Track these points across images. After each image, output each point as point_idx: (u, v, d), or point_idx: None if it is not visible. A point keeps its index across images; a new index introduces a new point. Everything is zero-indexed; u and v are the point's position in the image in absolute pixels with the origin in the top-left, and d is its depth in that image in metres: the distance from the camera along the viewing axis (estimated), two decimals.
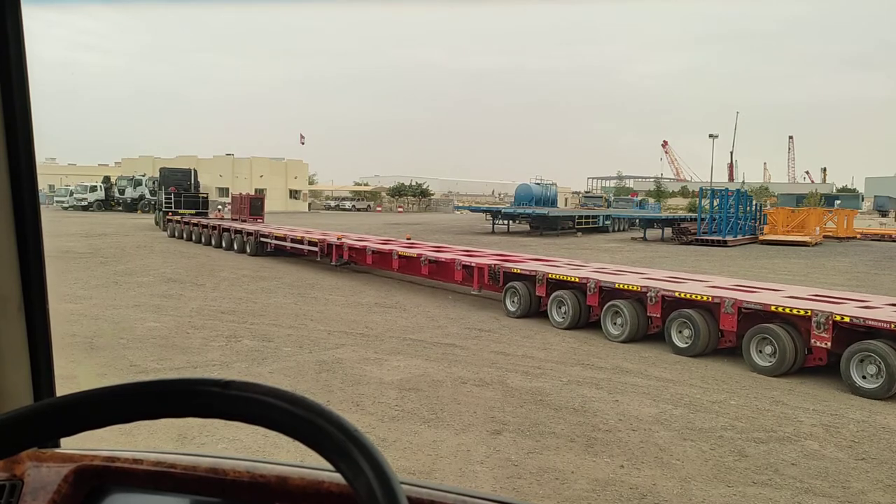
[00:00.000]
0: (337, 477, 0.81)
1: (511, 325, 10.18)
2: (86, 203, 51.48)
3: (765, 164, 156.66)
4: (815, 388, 7.14)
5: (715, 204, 30.27)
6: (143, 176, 51.39)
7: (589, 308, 9.87)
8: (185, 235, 24.02)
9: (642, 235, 32.84)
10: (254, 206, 26.18)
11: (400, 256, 13.93)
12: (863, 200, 79.03)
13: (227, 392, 0.66)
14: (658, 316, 8.88)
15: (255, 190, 50.97)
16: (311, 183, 79.52)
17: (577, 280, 10.04)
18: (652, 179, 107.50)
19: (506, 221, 36.07)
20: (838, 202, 61.65)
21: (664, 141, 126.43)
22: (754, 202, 36.23)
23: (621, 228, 39.84)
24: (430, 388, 6.65)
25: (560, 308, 10.11)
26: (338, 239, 16.31)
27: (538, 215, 33.67)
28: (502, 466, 4.77)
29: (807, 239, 29.81)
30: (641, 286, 9.16)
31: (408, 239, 18.86)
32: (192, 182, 30.96)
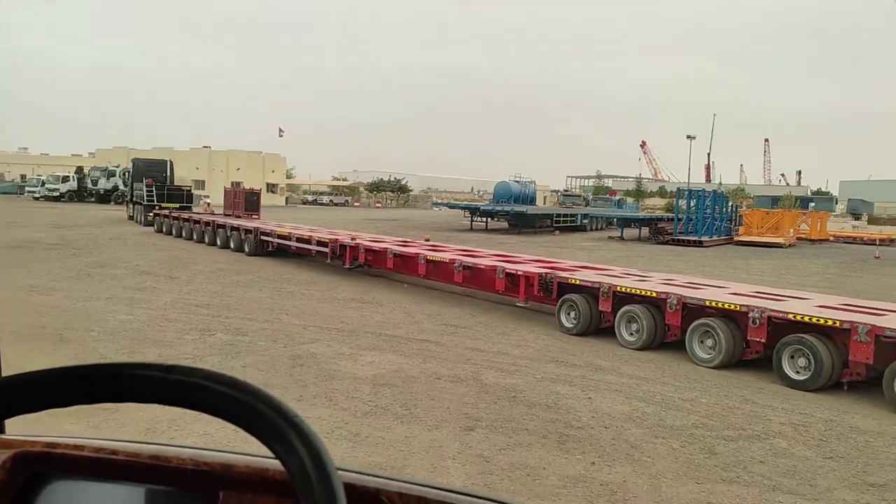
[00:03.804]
0: None
1: (487, 322, 10.18)
2: (58, 193, 50.67)
3: (741, 166, 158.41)
4: (785, 387, 7.23)
5: (692, 204, 30.60)
6: (117, 167, 50.63)
7: (666, 327, 8.73)
8: (173, 231, 22.62)
9: (619, 235, 33.08)
10: (249, 200, 24.65)
11: (428, 261, 12.51)
12: (836, 203, 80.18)
13: (169, 377, 0.64)
14: (762, 340, 7.65)
15: (233, 183, 50.45)
16: (288, 177, 79.01)
17: (654, 294, 8.79)
18: (631, 179, 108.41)
19: (484, 219, 36.14)
20: (812, 205, 62.48)
21: (643, 141, 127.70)
22: (730, 203, 36.70)
23: (599, 227, 40.11)
24: (404, 384, 6.63)
25: (631, 325, 8.90)
26: (352, 239, 14.88)
27: (516, 213, 33.78)
28: (474, 462, 4.77)
29: (781, 241, 30.24)
30: (741, 305, 7.89)
31: (426, 240, 17.28)
32: (168, 174, 30.38)
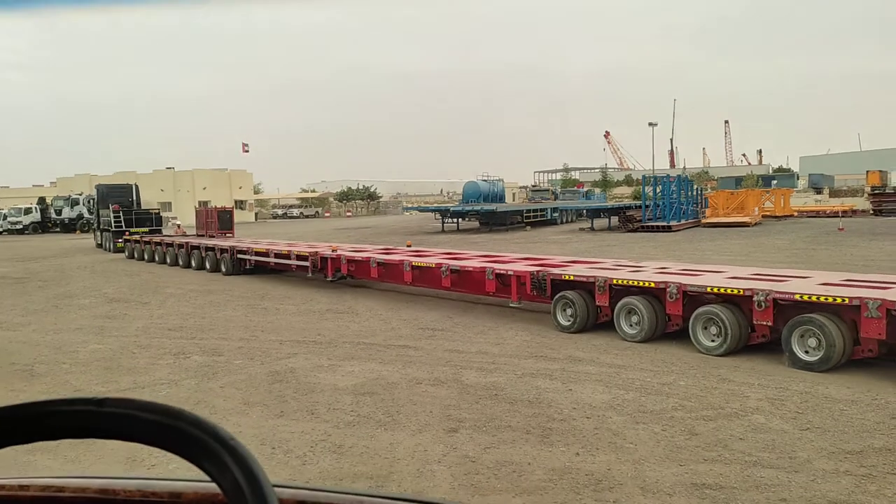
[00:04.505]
0: None
1: (464, 322, 10.20)
2: (21, 226, 49.80)
3: (704, 149, 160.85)
4: (760, 363, 7.34)
5: (658, 191, 30.99)
6: (81, 195, 49.92)
7: (667, 317, 8.50)
8: (145, 256, 22.12)
9: (590, 225, 33.36)
10: (222, 219, 24.50)
11: (413, 268, 12.19)
12: (798, 179, 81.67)
13: (101, 410, 0.64)
14: (768, 324, 7.47)
15: (200, 202, 49.93)
16: (256, 192, 78.38)
17: (652, 285, 8.54)
18: (597, 170, 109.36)
19: (455, 220, 36.20)
20: (775, 182, 63.62)
21: (606, 132, 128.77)
22: (695, 187, 37.26)
23: (569, 220, 40.40)
24: (386, 391, 6.62)
25: (630, 318, 8.67)
26: (332, 251, 14.52)
27: (487, 211, 33.92)
28: (460, 464, 4.78)
29: (747, 219, 30.74)
30: (744, 289, 7.70)
31: (409, 246, 16.87)
32: (134, 198, 29.95)
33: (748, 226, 29.83)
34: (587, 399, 6.21)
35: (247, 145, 68.91)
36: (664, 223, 29.17)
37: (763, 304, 7.45)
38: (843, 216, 32.94)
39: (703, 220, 32.25)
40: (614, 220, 33.06)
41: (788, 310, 7.38)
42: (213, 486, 0.81)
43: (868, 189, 50.75)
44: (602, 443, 5.10)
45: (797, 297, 7.27)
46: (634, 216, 30.82)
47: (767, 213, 34.78)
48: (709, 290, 8.03)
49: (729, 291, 7.86)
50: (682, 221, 30.85)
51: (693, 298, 8.23)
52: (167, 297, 13.89)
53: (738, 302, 7.82)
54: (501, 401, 6.21)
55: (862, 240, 22.05)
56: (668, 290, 8.35)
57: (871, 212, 36.79)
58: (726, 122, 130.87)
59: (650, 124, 57.79)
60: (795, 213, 37.29)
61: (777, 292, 7.47)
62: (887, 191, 45.20)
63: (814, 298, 7.13)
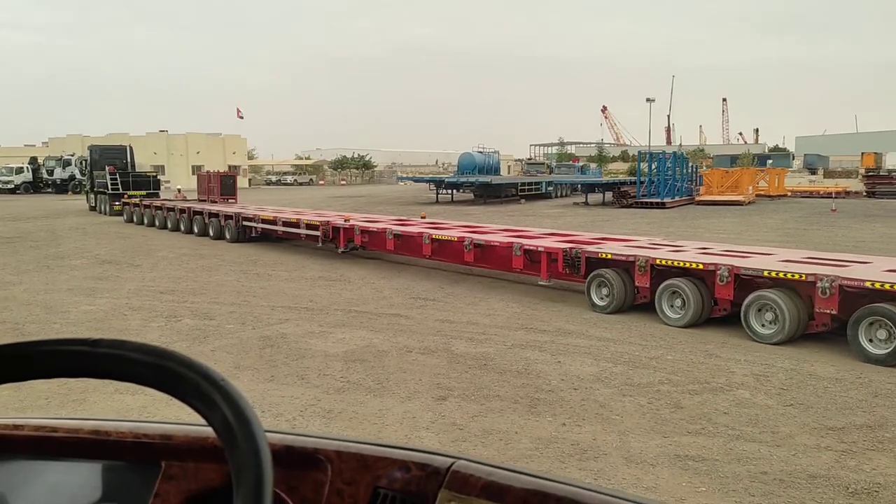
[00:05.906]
0: None
1: (456, 293, 10.23)
2: (12, 186, 49.35)
3: (700, 126, 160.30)
4: (747, 340, 7.41)
5: (653, 167, 30.97)
6: (73, 155, 49.42)
7: (713, 301, 8.03)
8: (145, 220, 21.58)
9: (584, 200, 33.37)
10: (225, 184, 24.02)
11: (433, 240, 11.67)
12: (793, 159, 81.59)
13: (95, 351, 0.65)
14: (831, 312, 6.88)
15: (192, 167, 49.61)
16: (250, 158, 77.83)
17: (700, 266, 8.03)
18: (593, 145, 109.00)
19: (449, 191, 36.10)
20: (770, 162, 63.62)
21: (603, 106, 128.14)
22: (690, 164, 37.22)
23: (564, 194, 40.36)
24: (376, 359, 6.67)
25: (674, 300, 8.19)
26: (345, 221, 13.97)
27: (481, 184, 33.80)
28: (448, 431, 4.84)
29: (741, 198, 30.79)
30: (807, 274, 7.09)
31: (423, 217, 16.08)
32: (129, 160, 29.55)
33: (742, 204, 29.90)
34: (575, 371, 6.28)
35: (241, 111, 68.21)
36: (658, 199, 29.21)
37: (828, 290, 6.88)
38: (836, 197, 33.04)
39: (698, 198, 32.30)
40: (609, 195, 33.04)
41: (855, 298, 6.88)
42: (203, 430, 0.82)
43: (862, 171, 50.86)
44: (588, 414, 5.17)
45: (867, 284, 6.70)
46: (629, 192, 30.82)
47: (761, 193, 34.85)
48: (765, 273, 7.49)
49: (788, 276, 7.29)
50: (677, 198, 30.89)
51: (744, 282, 7.72)
52: (159, 259, 13.87)
53: (796, 287, 7.31)
54: (490, 371, 6.27)
55: (854, 221, 22.16)
56: (718, 272, 7.81)
57: (865, 193, 36.92)
58: (724, 100, 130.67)
59: (647, 100, 57.53)
60: (789, 193, 37.38)
61: (844, 278, 6.90)
62: (881, 173, 45.36)
63: (886, 286, 6.57)
